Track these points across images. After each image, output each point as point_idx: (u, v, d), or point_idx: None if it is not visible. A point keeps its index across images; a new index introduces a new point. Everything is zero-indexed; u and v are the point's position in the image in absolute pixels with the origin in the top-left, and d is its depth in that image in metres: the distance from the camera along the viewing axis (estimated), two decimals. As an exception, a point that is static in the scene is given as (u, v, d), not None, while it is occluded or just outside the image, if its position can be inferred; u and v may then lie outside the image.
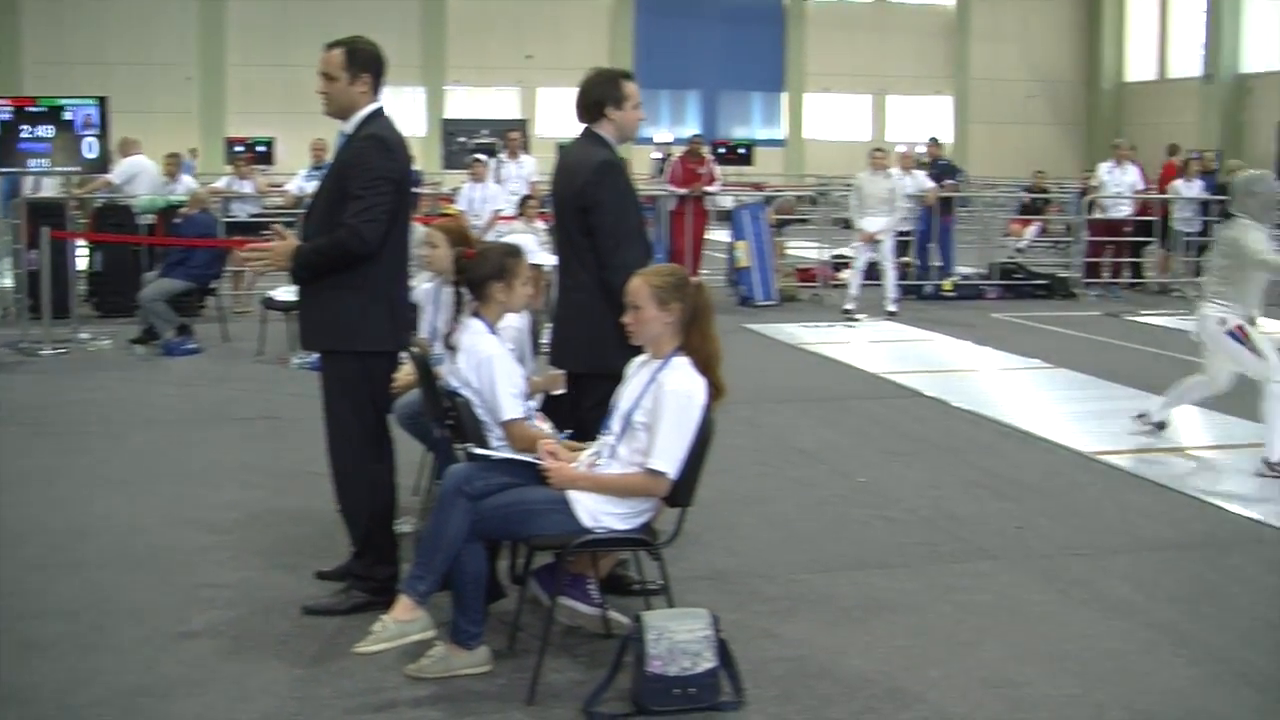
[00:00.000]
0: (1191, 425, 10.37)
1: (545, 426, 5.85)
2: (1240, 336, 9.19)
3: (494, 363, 5.55)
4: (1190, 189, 20.39)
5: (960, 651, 5.53)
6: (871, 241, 16.44)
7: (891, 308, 16.65)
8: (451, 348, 5.74)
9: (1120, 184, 19.42)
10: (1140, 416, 9.83)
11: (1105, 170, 19.51)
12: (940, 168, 19.90)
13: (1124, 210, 19.60)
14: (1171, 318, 16.83)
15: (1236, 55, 42.35)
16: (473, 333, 5.68)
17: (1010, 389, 12.02)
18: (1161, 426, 9.74)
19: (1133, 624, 5.92)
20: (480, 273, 5.76)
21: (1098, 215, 19.26)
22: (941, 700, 5.05)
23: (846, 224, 23.21)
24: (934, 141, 20.07)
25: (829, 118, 48.44)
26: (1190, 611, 6.10)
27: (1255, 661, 5.50)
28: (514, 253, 5.85)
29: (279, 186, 19.65)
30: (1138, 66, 49.01)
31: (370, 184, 5.60)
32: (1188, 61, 44.97)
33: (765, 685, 5.10)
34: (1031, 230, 22.58)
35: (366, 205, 5.58)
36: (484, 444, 5.40)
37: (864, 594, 6.24)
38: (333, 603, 5.82)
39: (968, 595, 6.25)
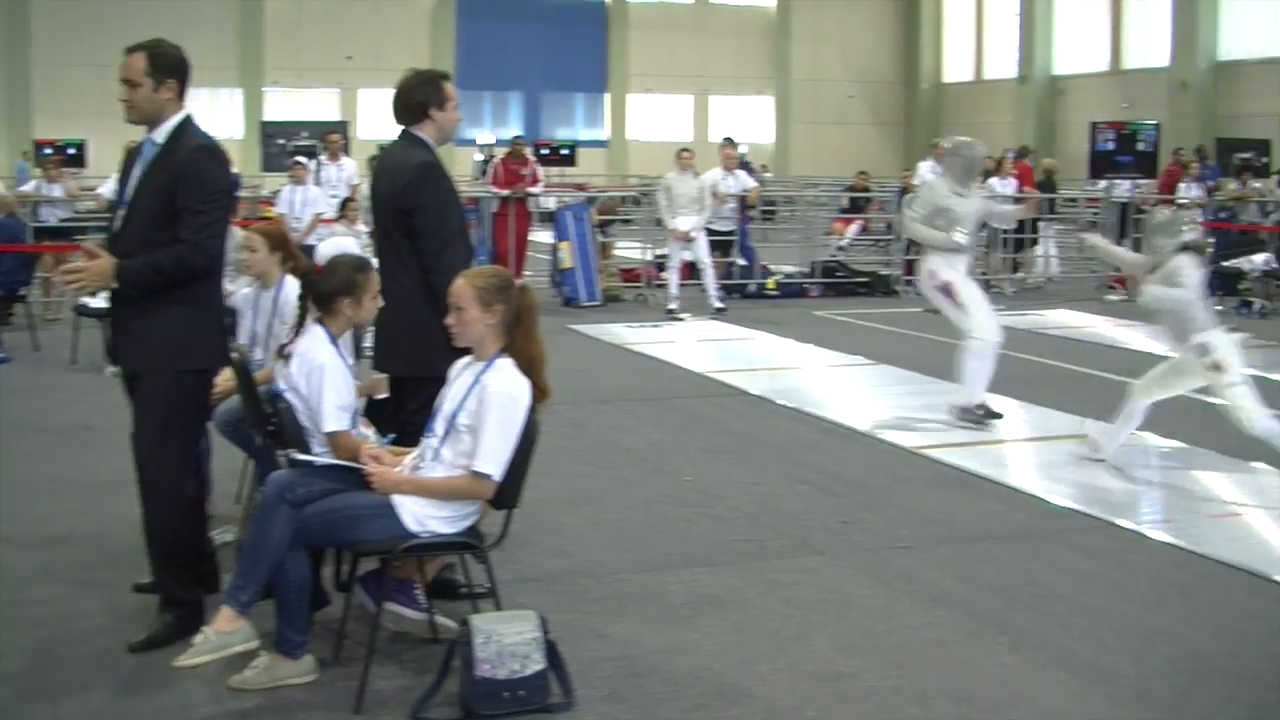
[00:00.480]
0: (1010, 418, 10.61)
1: (369, 431, 5.78)
2: (947, 291, 10.16)
3: (325, 372, 5.45)
4: (1006, 187, 20.87)
5: (788, 646, 5.59)
6: (685, 240, 16.54)
7: (718, 305, 16.78)
8: (286, 356, 5.63)
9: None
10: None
11: (926, 169, 19.86)
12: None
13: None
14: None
15: (1049, 58, 43.55)
16: (311, 339, 5.58)
17: (833, 386, 12.18)
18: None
19: (956, 613, 6.03)
20: (328, 287, 5.65)
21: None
22: (770, 695, 5.09)
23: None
24: (728, 141, 20.21)
25: (652, 118, 48.68)
26: (1010, 599, 6.24)
27: (1072, 646, 5.64)
28: (363, 268, 5.74)
29: (91, 190, 19.15)
30: (955, 68, 50.10)
31: (209, 198, 5.42)
32: (1003, 63, 46.10)
33: (595, 685, 5.09)
34: (853, 229, 22.92)
35: (209, 220, 5.40)
36: (306, 450, 5.32)
37: (691, 592, 6.27)
38: (156, 634, 5.55)
39: (794, 590, 6.31)
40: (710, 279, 17.00)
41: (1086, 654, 5.56)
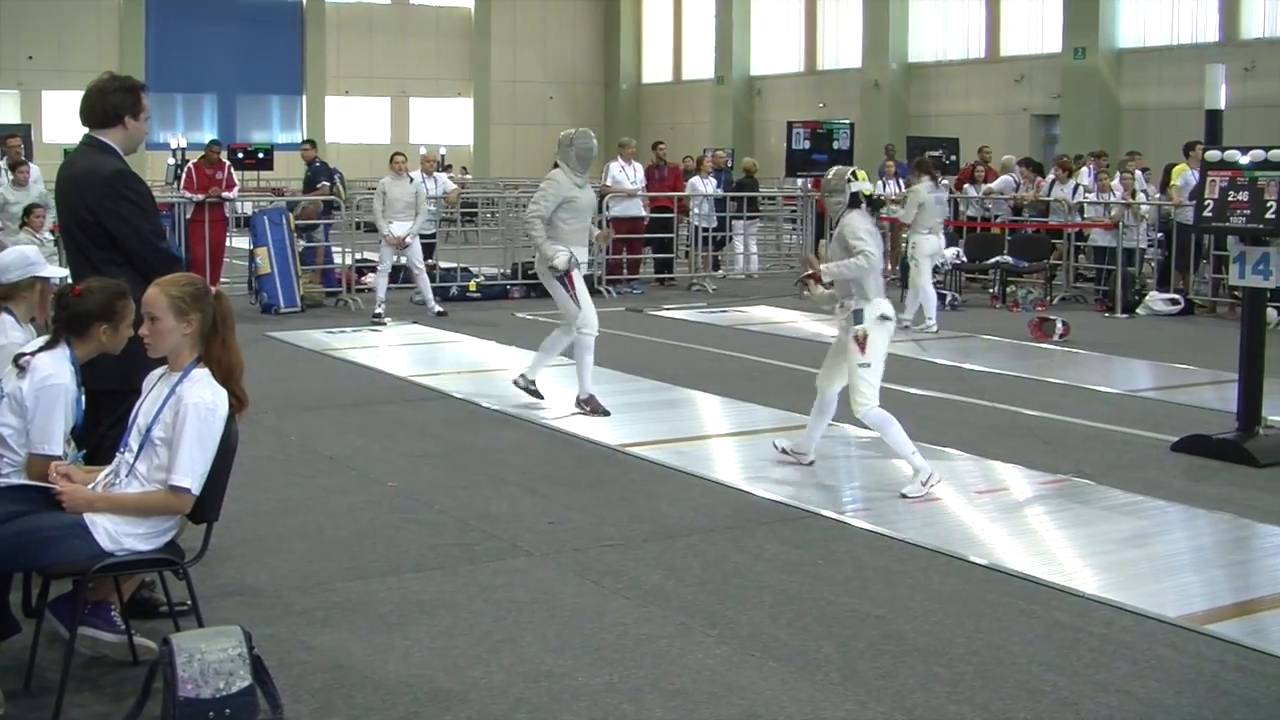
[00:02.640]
0: (713, 413, 10.81)
1: (69, 449, 5.52)
2: (566, 283, 10.42)
3: (60, 394, 5.23)
4: (706, 186, 21.27)
5: (500, 648, 5.56)
6: (402, 245, 16.38)
7: (438, 309, 16.67)
8: (21, 366, 5.31)
9: (634, 181, 20.01)
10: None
11: (617, 169, 20.04)
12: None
13: (636, 209, 20.23)
14: (693, 311, 17.53)
15: (746, 59, 44.52)
16: (55, 358, 5.30)
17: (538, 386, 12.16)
18: None
19: (665, 608, 6.09)
20: (84, 310, 5.36)
21: (618, 214, 19.78)
22: (483, 699, 5.06)
23: (372, 228, 23.11)
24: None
25: (350, 120, 48.04)
26: (718, 592, 6.33)
27: (779, 635, 5.76)
28: (124, 294, 5.46)
29: None
30: (654, 69, 50.80)
31: None
32: (701, 64, 46.94)
33: (304, 699, 4.99)
34: (553, 230, 22.98)
35: None
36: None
37: (400, 598, 6.19)
38: None
39: (504, 592, 6.29)
40: (425, 283, 16.88)
41: (793, 642, 5.68)
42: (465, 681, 5.22)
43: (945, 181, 18.02)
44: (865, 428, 8.76)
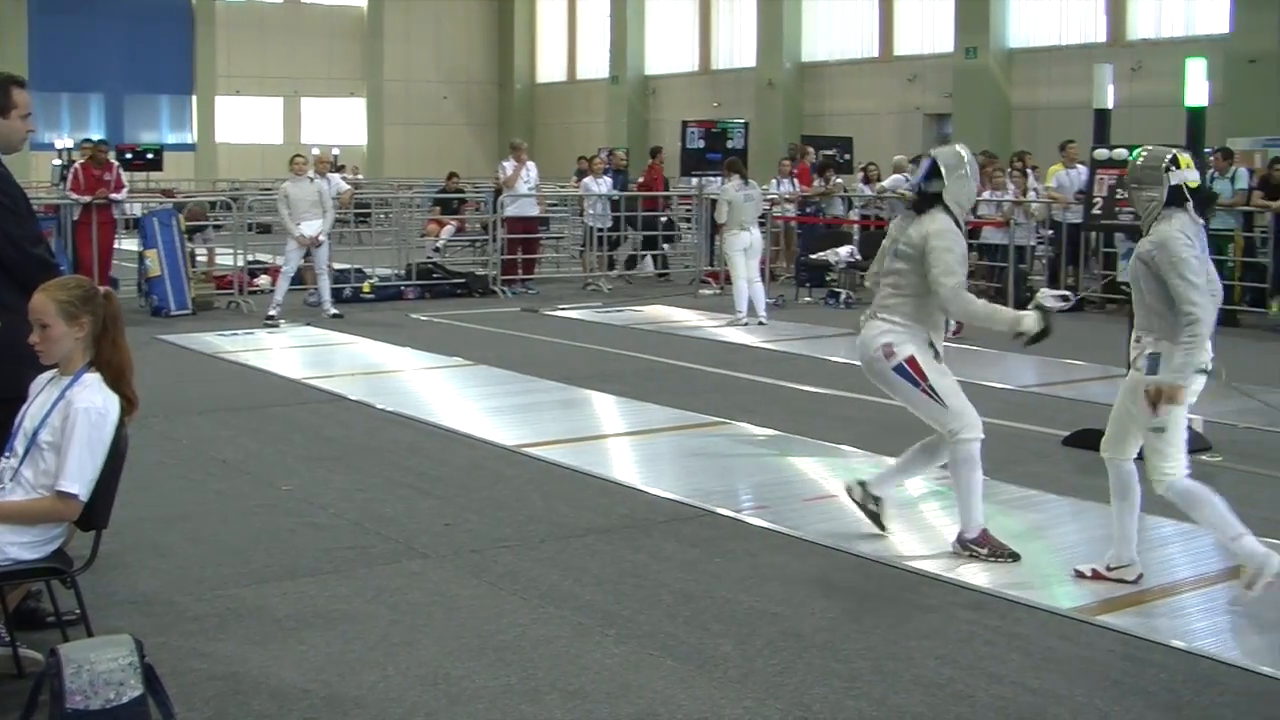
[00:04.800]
0: (609, 413, 10.80)
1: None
2: (913, 373, 6.95)
3: None
4: (600, 186, 21.25)
5: (396, 652, 5.51)
6: (314, 245, 16.19)
7: (334, 311, 16.50)
8: None
9: (530, 181, 19.97)
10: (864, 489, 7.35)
11: (510, 168, 19.96)
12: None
13: (530, 209, 20.19)
14: (588, 311, 17.51)
15: (641, 58, 44.60)
16: None
17: (433, 388, 12.13)
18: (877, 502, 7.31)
19: (563, 609, 6.07)
20: None
21: (513, 213, 19.72)
22: (380, 703, 5.01)
23: (264, 229, 22.87)
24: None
25: (241, 120, 47.52)
26: (615, 592, 6.32)
27: (676, 633, 5.76)
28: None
29: None
30: (548, 68, 50.75)
31: None
32: (596, 64, 46.95)
33: (198, 707, 4.92)
34: (448, 230, 22.92)
35: None
36: None
37: (296, 604, 6.12)
38: None
39: (400, 595, 6.24)
40: (324, 285, 16.71)
41: (691, 640, 5.69)
42: (361, 686, 5.17)
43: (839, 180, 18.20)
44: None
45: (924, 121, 34.92)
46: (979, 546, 6.80)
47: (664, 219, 22.47)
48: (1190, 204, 6.24)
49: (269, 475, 8.59)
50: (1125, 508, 6.50)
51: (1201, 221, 6.33)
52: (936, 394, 6.86)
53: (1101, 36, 30.99)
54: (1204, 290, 6.08)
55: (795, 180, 21.97)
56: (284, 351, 14.16)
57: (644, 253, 22.68)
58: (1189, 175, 6.24)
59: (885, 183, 21.27)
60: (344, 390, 11.60)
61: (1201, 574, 6.77)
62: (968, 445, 6.85)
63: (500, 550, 6.98)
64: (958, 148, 7.11)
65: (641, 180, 22.54)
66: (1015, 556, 6.78)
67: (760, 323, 15.93)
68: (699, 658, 5.50)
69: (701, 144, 21.52)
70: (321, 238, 16.24)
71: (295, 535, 7.24)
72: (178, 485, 8.28)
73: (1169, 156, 6.29)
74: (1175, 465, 6.23)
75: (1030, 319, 6.67)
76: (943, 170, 6.84)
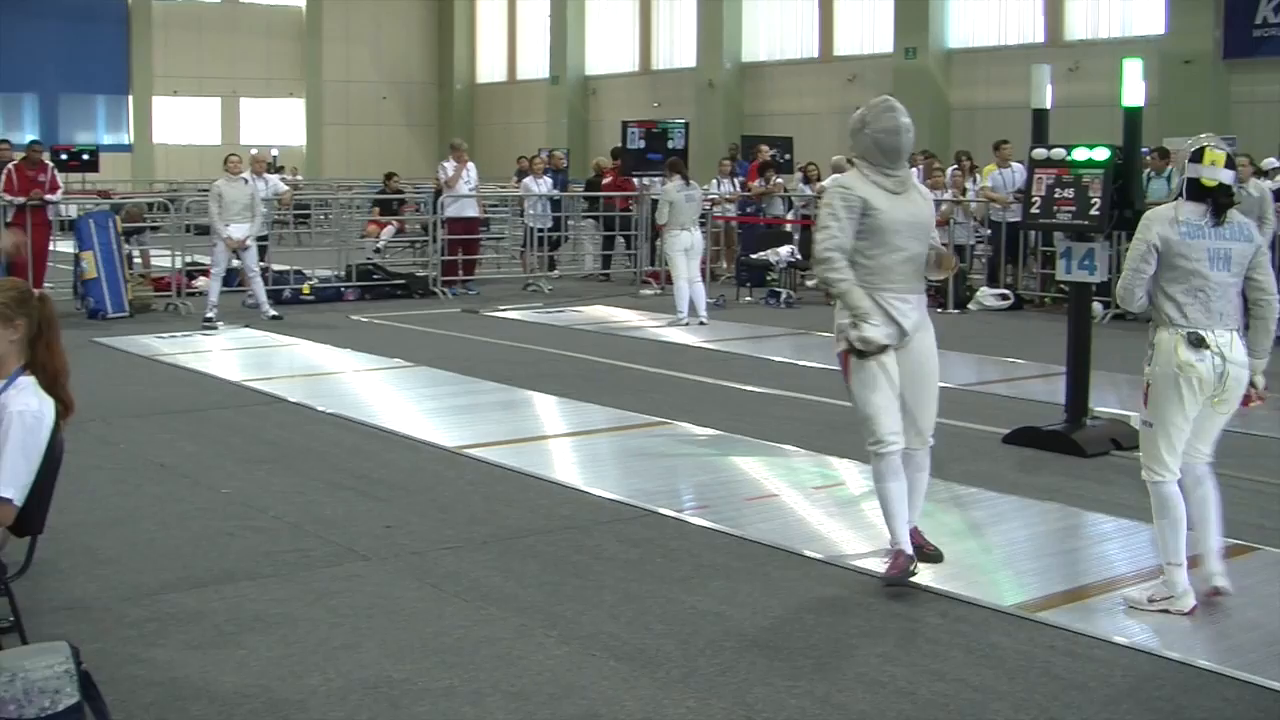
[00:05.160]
0: (550, 413, 10.78)
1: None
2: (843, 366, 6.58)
3: None
4: (540, 186, 21.22)
5: (337, 656, 5.48)
6: (242, 248, 16.06)
7: (273, 312, 16.37)
8: None
9: (470, 182, 19.90)
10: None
11: (450, 168, 19.90)
12: None
13: (471, 209, 20.13)
14: (529, 311, 17.48)
15: (581, 59, 44.57)
16: None
17: (374, 390, 12.06)
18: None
19: (505, 610, 6.05)
20: None
21: (453, 214, 19.65)
22: (322, 707, 4.98)
23: (202, 230, 22.68)
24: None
25: (179, 121, 47.15)
26: (558, 593, 6.31)
27: (619, 634, 5.75)
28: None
29: None
30: (488, 68, 50.66)
31: None
32: (535, 64, 46.90)
33: (136, 714, 4.87)
34: (388, 231, 22.83)
35: None
36: None
37: (235, 608, 6.07)
38: None
39: (341, 599, 6.20)
40: (259, 287, 16.57)
41: (634, 640, 5.68)
42: (303, 690, 5.13)
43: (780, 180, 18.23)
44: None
45: (864, 121, 35.00)
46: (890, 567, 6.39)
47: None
48: (1205, 200, 6.00)
49: (208, 478, 8.51)
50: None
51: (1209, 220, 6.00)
52: (853, 395, 6.57)
53: (1039, 37, 31.25)
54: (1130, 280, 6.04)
55: (735, 180, 22.01)
56: (222, 354, 14.05)
57: (600, 252, 22.70)
58: (1207, 171, 6.00)
59: (825, 182, 21.28)
60: (283, 392, 11.52)
61: (1140, 570, 6.81)
62: (873, 457, 6.52)
63: (442, 552, 6.95)
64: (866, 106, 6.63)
65: (609, 180, 22.43)
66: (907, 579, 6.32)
67: (701, 323, 15.95)
68: (641, 658, 5.49)
69: (642, 144, 21.54)
70: (249, 241, 16.10)
71: (234, 539, 7.18)
72: (115, 489, 8.20)
73: (1195, 148, 6.12)
74: (1153, 469, 6.10)
75: (872, 332, 6.25)
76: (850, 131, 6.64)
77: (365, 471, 8.72)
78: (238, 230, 15.91)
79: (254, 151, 21.25)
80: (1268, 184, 15.12)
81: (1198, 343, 5.93)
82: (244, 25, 48.27)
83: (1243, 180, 15.75)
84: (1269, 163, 17.59)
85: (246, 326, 15.83)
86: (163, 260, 19.04)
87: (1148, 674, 5.34)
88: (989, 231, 18.90)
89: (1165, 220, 6.05)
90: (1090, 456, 9.18)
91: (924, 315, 6.58)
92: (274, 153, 39.25)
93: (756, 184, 21.61)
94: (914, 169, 20.43)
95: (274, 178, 18.91)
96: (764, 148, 23.78)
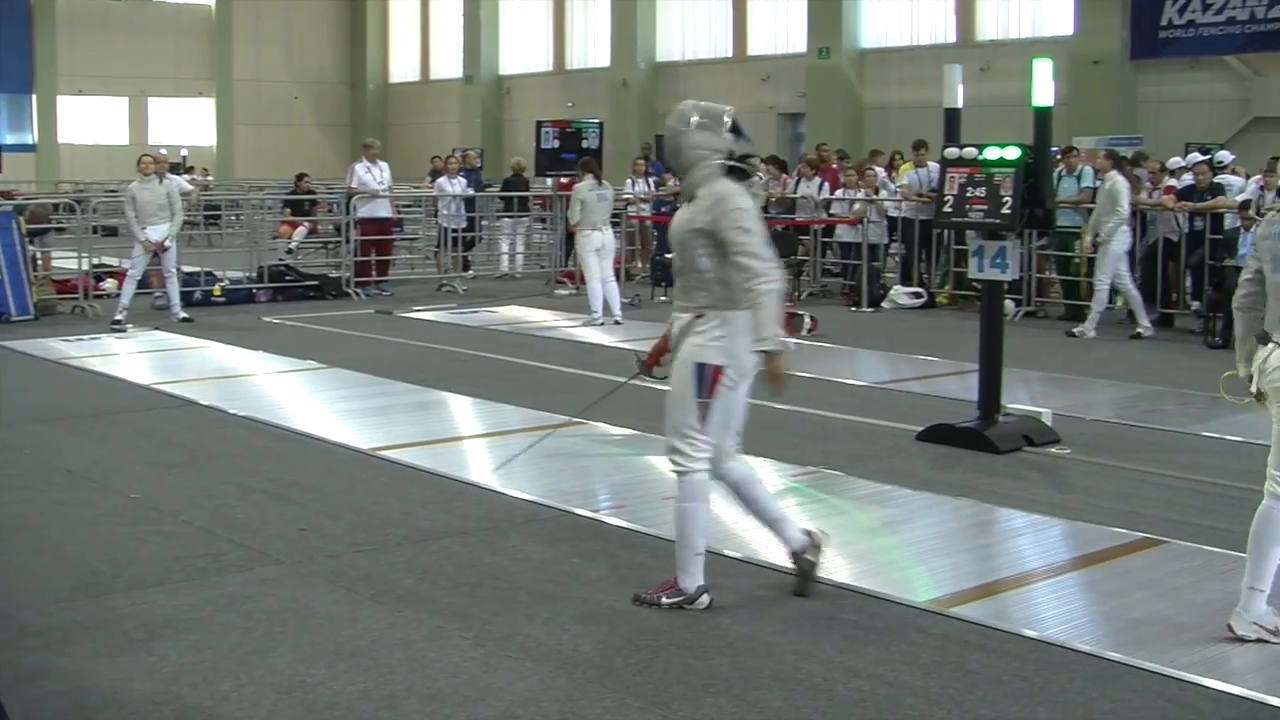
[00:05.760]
0: (464, 414, 10.73)
1: None
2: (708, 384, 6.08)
3: None
4: (454, 186, 21.12)
5: (250, 661, 5.40)
6: (161, 250, 15.84)
7: (184, 315, 16.15)
8: None
9: (382, 181, 19.75)
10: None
11: (362, 169, 19.74)
12: None
13: (383, 210, 19.99)
14: (443, 312, 17.39)
15: (495, 58, 44.46)
16: None
17: (286, 392, 11.94)
18: None
19: (420, 613, 6.00)
20: None
21: (365, 215, 19.50)
22: (234, 712, 4.91)
23: (109, 231, 22.39)
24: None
25: (85, 121, 46.51)
26: (473, 594, 6.27)
27: (535, 635, 5.72)
28: None
29: None
30: (401, 68, 50.43)
31: None
32: (449, 64, 46.73)
33: (41, 724, 4.78)
34: (300, 231, 22.63)
35: None
36: None
37: (145, 614, 5.97)
38: None
39: (254, 603, 6.12)
40: (174, 289, 16.34)
41: (550, 641, 5.65)
42: (214, 696, 5.06)
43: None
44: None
45: (778, 121, 35.24)
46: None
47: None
48: None
49: (116, 484, 8.38)
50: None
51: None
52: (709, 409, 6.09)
53: (951, 38, 31.53)
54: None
55: (650, 180, 22.01)
56: (132, 357, 13.86)
57: (517, 251, 22.65)
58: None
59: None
60: (195, 395, 11.37)
61: (1051, 564, 6.89)
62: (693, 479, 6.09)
63: (356, 555, 6.88)
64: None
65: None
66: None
67: (616, 322, 15.94)
68: (558, 658, 5.46)
69: (556, 144, 21.50)
70: (169, 242, 15.89)
71: (144, 544, 7.07)
72: (19, 495, 8.05)
73: None
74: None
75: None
76: None
77: (278, 475, 8.63)
78: (156, 232, 15.70)
79: (164, 152, 20.92)
80: (1117, 175, 15.36)
81: None
82: (152, 24, 47.75)
83: (1101, 173, 16.14)
84: (1174, 162, 17.84)
85: (156, 329, 15.62)
86: (68, 262, 18.76)
87: (1059, 666, 5.39)
88: (887, 222, 18.83)
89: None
90: (1003, 453, 9.26)
91: (690, 334, 6.07)
92: (183, 153, 38.84)
93: (671, 183, 21.62)
94: (758, 175, 20.56)
95: (177, 178, 18.57)
96: (644, 160, 23.70)
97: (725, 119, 6.00)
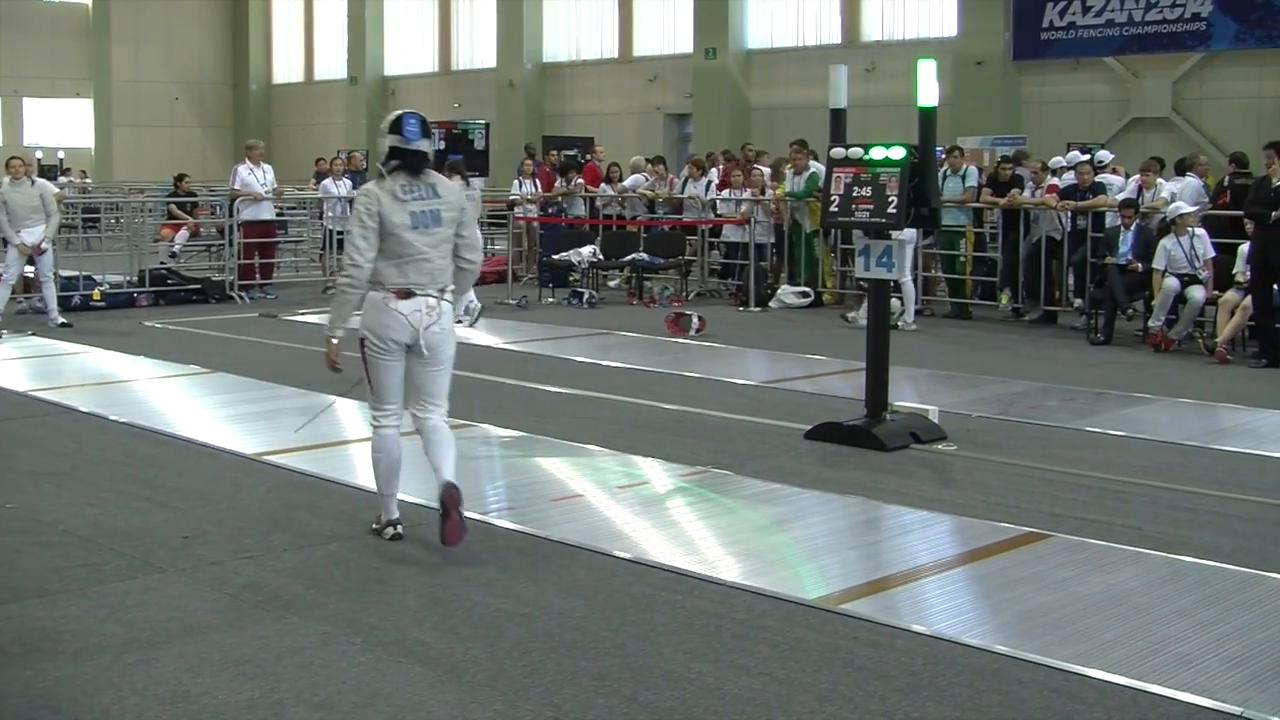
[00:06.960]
0: (350, 418, 10.61)
1: None
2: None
3: None
4: (339, 188, 20.92)
5: (132, 672, 5.30)
6: (38, 253, 15.51)
7: (61, 319, 15.85)
8: None
9: (265, 183, 19.51)
10: None
11: (245, 172, 19.48)
12: None
13: (267, 212, 19.76)
14: (327, 315, 17.15)
15: (380, 59, 44.13)
16: None
17: (169, 397, 11.74)
18: None
19: (307, 619, 5.93)
20: None
21: (248, 217, 19.26)
22: (115, 727, 4.82)
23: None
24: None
25: (-44, 123, 45.56)
26: (361, 600, 6.20)
27: (424, 639, 5.67)
28: None
29: None
30: (285, 69, 49.87)
31: None
32: (333, 64, 46.30)
33: (-87, 741, 4.64)
34: (182, 234, 22.29)
35: None
36: None
37: (23, 627, 5.83)
38: None
39: (137, 612, 6.00)
40: (50, 293, 16.04)
41: (440, 645, 5.60)
42: (95, 710, 4.95)
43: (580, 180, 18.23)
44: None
45: (665, 121, 35.32)
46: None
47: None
48: None
49: (-8, 492, 8.20)
50: None
51: None
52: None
53: (836, 38, 31.77)
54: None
55: (536, 181, 21.95)
56: (7, 363, 13.55)
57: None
58: None
59: (626, 182, 21.41)
60: (74, 402, 11.15)
61: (939, 559, 6.96)
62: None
63: (241, 561, 6.78)
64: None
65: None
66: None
67: (470, 325, 15.55)
68: (447, 662, 5.42)
69: (443, 145, 21.40)
70: (45, 245, 15.59)
71: (20, 555, 6.91)
72: (-108, 506, 7.85)
73: None
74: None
75: (334, 346, 7.68)
76: None
77: (161, 481, 8.49)
78: (30, 235, 15.40)
79: (39, 154, 20.46)
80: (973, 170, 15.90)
81: None
82: (26, 22, 46.71)
83: (955, 169, 16.54)
84: (1056, 161, 18.11)
85: (33, 335, 15.30)
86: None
87: (947, 661, 5.43)
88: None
89: None
90: (890, 450, 9.33)
91: None
92: (60, 154, 38.14)
93: (558, 184, 21.60)
94: (714, 167, 20.62)
95: (44, 182, 18.13)
96: (553, 152, 23.71)
97: (387, 121, 7.04)
